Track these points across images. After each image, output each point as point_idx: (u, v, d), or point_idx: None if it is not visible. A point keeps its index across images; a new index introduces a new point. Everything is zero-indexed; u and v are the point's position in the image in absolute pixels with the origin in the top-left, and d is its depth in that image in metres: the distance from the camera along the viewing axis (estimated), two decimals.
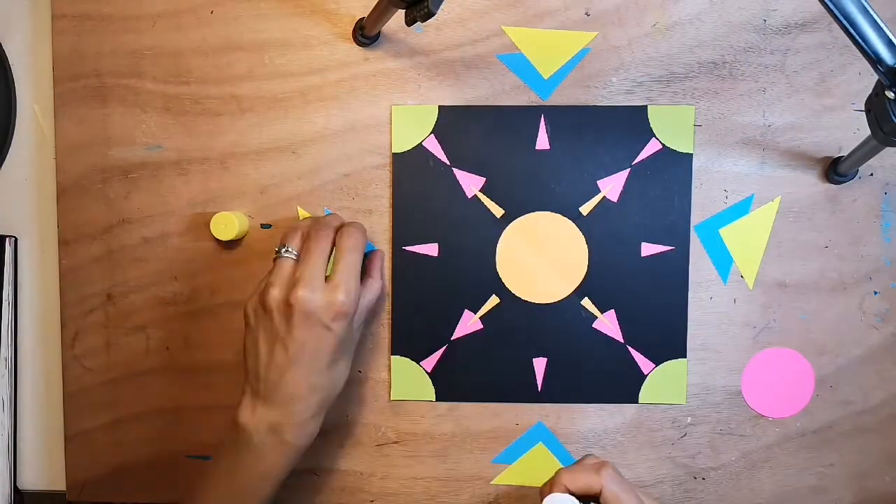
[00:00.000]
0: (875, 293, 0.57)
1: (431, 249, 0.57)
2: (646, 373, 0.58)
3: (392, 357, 0.58)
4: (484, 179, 0.57)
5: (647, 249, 0.57)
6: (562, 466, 0.53)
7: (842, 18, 0.40)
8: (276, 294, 0.49)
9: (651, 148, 0.57)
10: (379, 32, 0.56)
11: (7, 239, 0.60)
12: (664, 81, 0.56)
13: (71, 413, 0.59)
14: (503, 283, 0.58)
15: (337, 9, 0.57)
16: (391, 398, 0.59)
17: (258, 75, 0.57)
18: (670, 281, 0.57)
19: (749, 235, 0.57)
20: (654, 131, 0.57)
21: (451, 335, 0.58)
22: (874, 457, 0.58)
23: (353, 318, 0.51)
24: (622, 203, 0.57)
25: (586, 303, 0.57)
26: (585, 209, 0.57)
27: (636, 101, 0.57)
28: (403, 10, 0.45)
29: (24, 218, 0.61)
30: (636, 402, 0.58)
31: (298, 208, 0.58)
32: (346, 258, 0.50)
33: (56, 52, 0.58)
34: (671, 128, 0.56)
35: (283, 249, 0.51)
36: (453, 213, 0.57)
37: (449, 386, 0.58)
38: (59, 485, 0.61)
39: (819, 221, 0.57)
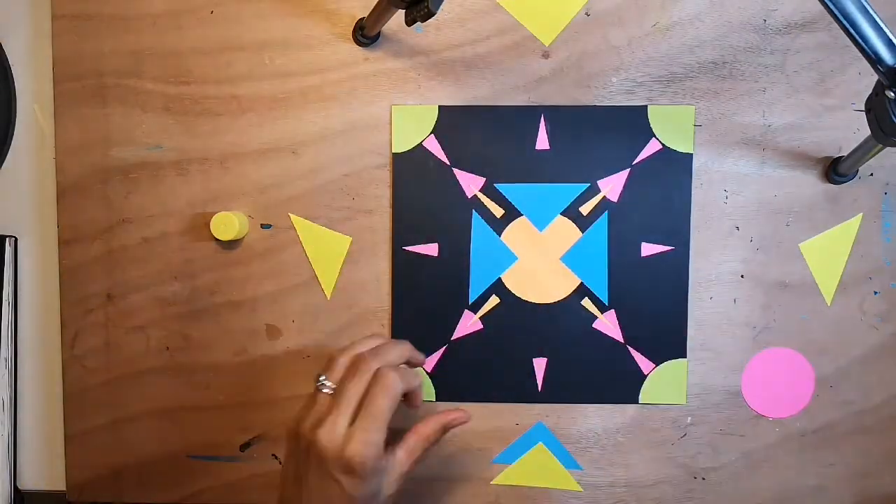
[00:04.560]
0: (875, 293, 0.57)
1: (431, 249, 0.57)
2: (646, 373, 0.58)
3: None
4: (484, 179, 0.57)
5: (647, 249, 0.57)
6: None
7: (842, 18, 0.40)
8: (302, 427, 0.46)
9: (651, 148, 0.57)
10: (379, 32, 0.56)
11: (7, 239, 0.60)
12: (664, 81, 0.56)
13: (71, 413, 0.59)
14: (503, 283, 0.58)
15: (337, 9, 0.57)
16: None
17: (258, 75, 0.57)
18: (670, 281, 0.57)
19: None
20: (654, 131, 0.57)
21: (451, 335, 0.58)
22: (874, 457, 0.58)
23: (371, 475, 0.45)
24: (622, 203, 0.57)
25: (586, 303, 0.57)
26: (585, 209, 0.57)
27: (636, 101, 0.57)
28: (403, 10, 0.45)
29: (24, 218, 0.61)
30: (636, 402, 0.58)
31: (291, 216, 0.58)
32: (373, 403, 0.45)
33: (56, 52, 0.58)
34: (671, 128, 0.56)
35: (322, 380, 0.47)
36: (453, 213, 0.57)
37: (449, 386, 0.58)
38: (59, 485, 0.61)
39: (819, 221, 0.57)
